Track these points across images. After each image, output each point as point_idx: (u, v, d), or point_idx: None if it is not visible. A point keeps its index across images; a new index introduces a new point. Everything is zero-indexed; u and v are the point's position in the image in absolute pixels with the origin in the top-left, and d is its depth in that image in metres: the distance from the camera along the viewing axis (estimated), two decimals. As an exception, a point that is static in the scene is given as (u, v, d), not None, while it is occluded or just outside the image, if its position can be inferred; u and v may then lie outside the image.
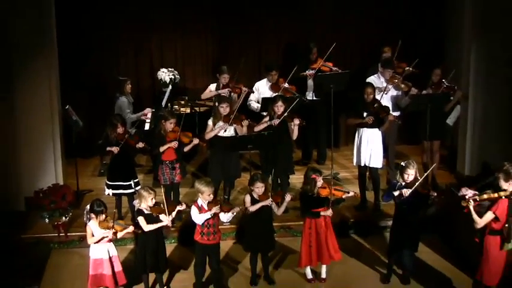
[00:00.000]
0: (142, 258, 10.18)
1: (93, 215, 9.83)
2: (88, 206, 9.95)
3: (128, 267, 10.36)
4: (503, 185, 9.52)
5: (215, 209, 9.87)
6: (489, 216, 9.41)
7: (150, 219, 9.99)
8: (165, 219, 9.95)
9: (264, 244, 10.54)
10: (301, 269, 10.72)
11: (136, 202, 10.16)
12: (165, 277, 10.58)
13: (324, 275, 10.67)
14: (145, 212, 9.99)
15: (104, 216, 9.84)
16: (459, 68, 13.14)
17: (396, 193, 10.14)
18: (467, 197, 9.55)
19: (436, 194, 10.54)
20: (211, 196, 10.08)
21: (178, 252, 11.44)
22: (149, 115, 13.59)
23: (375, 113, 11.97)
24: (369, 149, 12.10)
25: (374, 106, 11.96)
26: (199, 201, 10.04)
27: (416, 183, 10.02)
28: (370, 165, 12.20)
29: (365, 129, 12.07)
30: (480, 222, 9.43)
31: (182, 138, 11.65)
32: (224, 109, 11.88)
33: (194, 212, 9.99)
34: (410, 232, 10.34)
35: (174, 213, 10.12)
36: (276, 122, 11.76)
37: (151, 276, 10.45)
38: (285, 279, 10.74)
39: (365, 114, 12.02)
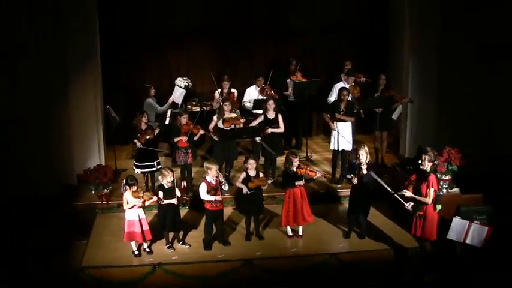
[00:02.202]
0: (163, 221, 10.32)
1: (127, 187, 9.96)
2: (124, 181, 10.10)
3: (153, 227, 10.45)
4: (425, 163, 9.61)
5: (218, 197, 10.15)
6: (432, 192, 9.52)
7: (167, 193, 10.12)
8: (175, 201, 10.12)
9: (255, 209, 10.64)
10: (283, 228, 10.81)
11: (160, 177, 10.25)
12: (181, 234, 10.66)
13: (300, 233, 10.75)
14: (165, 186, 10.10)
15: (135, 187, 9.97)
16: (401, 77, 13.16)
17: (349, 176, 10.37)
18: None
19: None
20: (217, 172, 10.19)
21: (190, 216, 11.44)
22: (169, 112, 13.51)
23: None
24: (343, 137, 12.09)
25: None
26: (208, 178, 10.14)
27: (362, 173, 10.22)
28: (344, 149, 12.19)
29: (340, 122, 12.10)
30: (429, 200, 9.56)
31: (193, 130, 11.71)
32: (227, 107, 11.92)
33: (203, 189, 10.11)
34: (363, 200, 10.45)
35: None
36: (269, 130, 11.90)
37: (172, 234, 10.57)
38: (271, 236, 10.82)
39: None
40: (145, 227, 10.13)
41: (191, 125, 11.73)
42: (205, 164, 10.29)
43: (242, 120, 12.03)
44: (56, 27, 11.80)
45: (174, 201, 10.12)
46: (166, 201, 10.10)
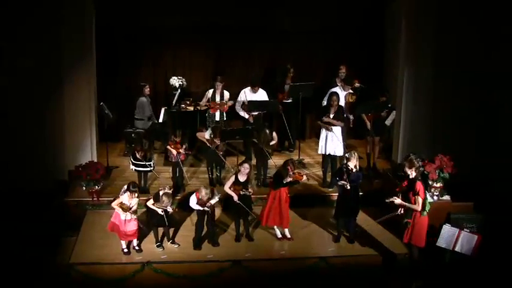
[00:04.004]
0: (150, 218, 10.47)
1: (128, 193, 10.03)
2: (126, 186, 10.19)
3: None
4: (408, 171, 9.67)
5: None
6: (420, 200, 9.51)
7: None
8: (161, 211, 10.15)
9: (243, 211, 10.58)
10: (273, 230, 10.82)
11: (162, 197, 10.19)
12: (171, 232, 10.60)
13: (288, 236, 10.75)
14: (160, 200, 10.18)
15: (136, 194, 10.06)
16: (396, 81, 13.13)
17: (341, 183, 10.32)
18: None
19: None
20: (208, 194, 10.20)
21: (180, 215, 11.29)
22: (162, 110, 13.57)
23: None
24: (334, 142, 12.08)
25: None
26: (200, 195, 10.19)
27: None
28: (334, 154, 12.17)
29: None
30: (418, 207, 9.53)
31: (177, 150, 11.72)
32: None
33: (192, 201, 10.27)
34: (352, 203, 10.44)
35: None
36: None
37: (161, 232, 10.54)
38: (260, 237, 10.82)
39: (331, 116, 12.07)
40: (129, 228, 10.12)
41: (173, 145, 11.78)
42: (203, 189, 10.21)
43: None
44: (52, 23, 11.77)
45: (159, 211, 10.17)
46: (153, 207, 10.21)
